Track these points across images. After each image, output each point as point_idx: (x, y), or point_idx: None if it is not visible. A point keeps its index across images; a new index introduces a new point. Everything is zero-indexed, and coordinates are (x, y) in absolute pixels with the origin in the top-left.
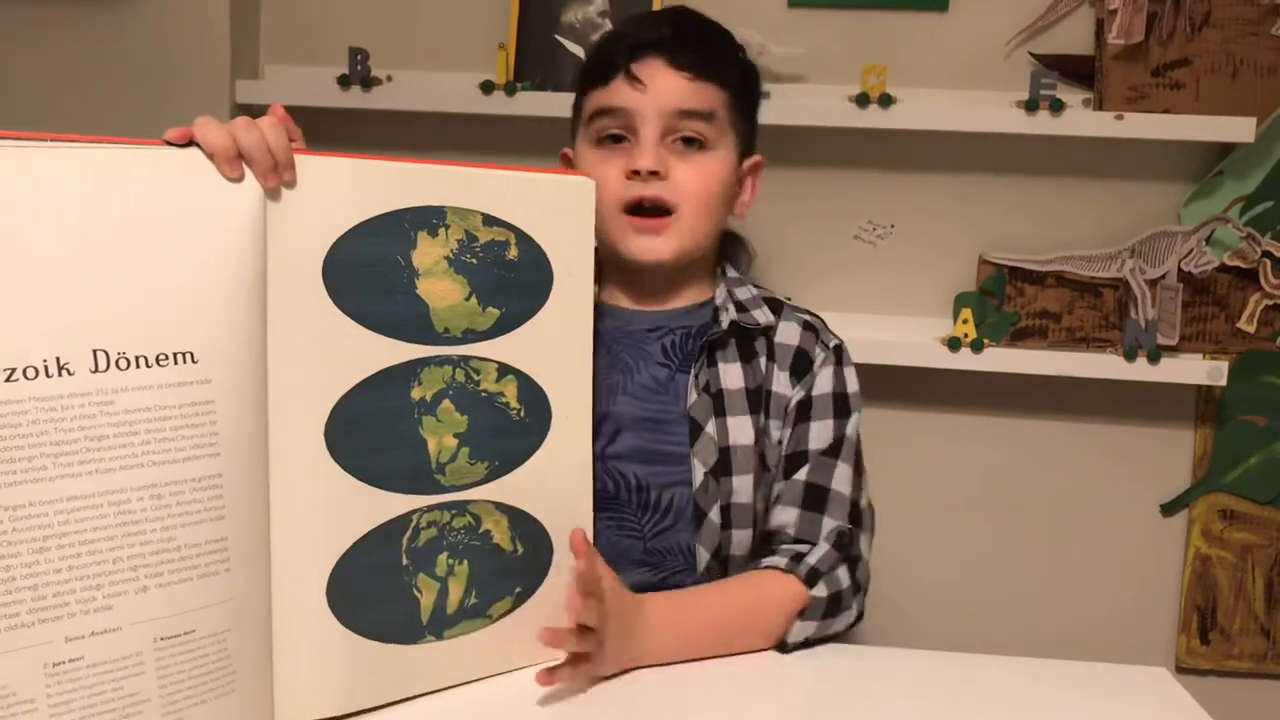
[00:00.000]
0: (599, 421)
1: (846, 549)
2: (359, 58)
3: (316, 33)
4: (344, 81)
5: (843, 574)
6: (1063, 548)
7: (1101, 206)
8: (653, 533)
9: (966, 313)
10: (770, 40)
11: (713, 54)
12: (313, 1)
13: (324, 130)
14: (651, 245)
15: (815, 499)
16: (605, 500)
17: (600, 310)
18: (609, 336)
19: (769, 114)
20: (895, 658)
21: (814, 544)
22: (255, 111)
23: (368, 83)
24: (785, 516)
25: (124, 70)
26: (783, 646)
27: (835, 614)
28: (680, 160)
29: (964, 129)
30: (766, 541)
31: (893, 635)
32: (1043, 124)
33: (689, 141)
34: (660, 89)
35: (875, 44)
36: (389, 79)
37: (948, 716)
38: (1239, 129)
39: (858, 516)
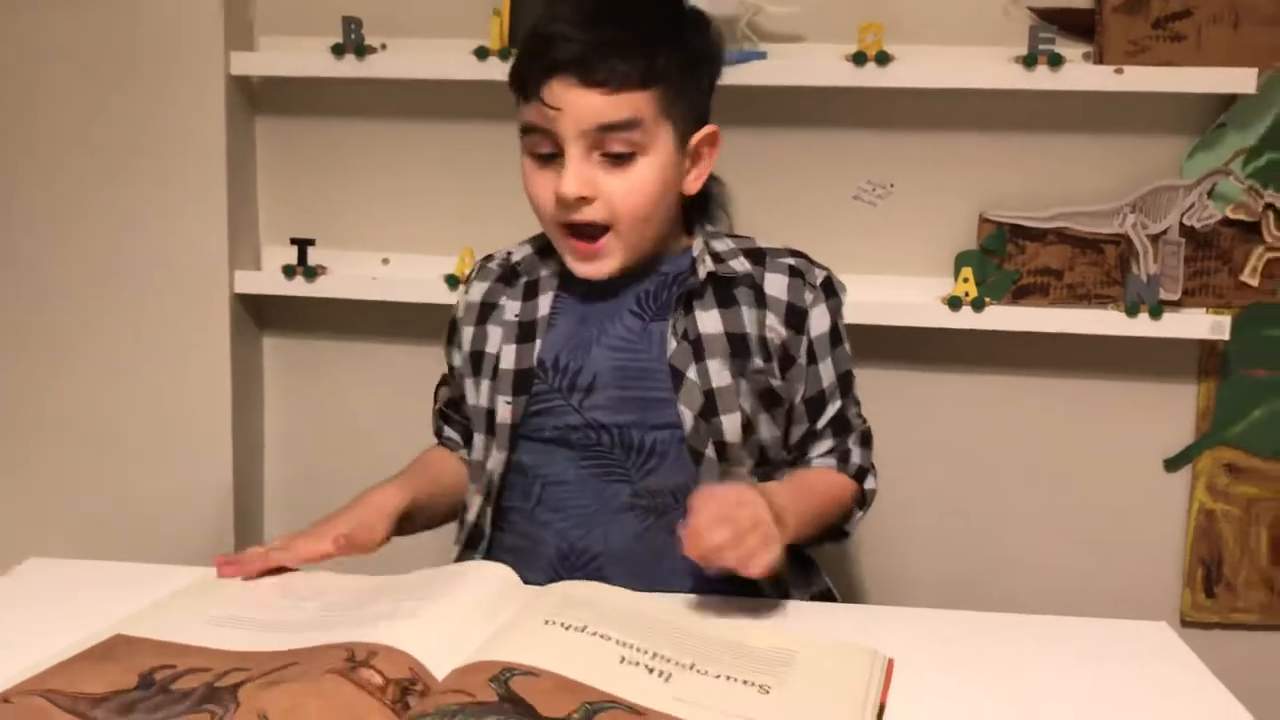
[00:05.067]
0: (575, 374)
1: (868, 455)
2: (353, 26)
3: (310, 2)
4: (338, 51)
5: (873, 476)
6: (1066, 505)
7: (1102, 161)
8: (640, 475)
9: (967, 271)
10: (766, 0)
11: (631, 57)
12: None
13: (319, 100)
14: (592, 268)
15: (840, 427)
16: (589, 450)
17: (568, 275)
18: (580, 295)
19: (767, 75)
20: (897, 616)
21: (850, 451)
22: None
23: (361, 51)
24: (822, 446)
25: (118, 44)
26: (845, 535)
27: (868, 505)
28: (610, 174)
29: (962, 86)
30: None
31: (896, 593)
32: (1042, 79)
33: (617, 156)
34: (578, 111)
35: (872, 1)
36: (383, 47)
37: (949, 673)
38: (1240, 80)
39: (864, 429)
